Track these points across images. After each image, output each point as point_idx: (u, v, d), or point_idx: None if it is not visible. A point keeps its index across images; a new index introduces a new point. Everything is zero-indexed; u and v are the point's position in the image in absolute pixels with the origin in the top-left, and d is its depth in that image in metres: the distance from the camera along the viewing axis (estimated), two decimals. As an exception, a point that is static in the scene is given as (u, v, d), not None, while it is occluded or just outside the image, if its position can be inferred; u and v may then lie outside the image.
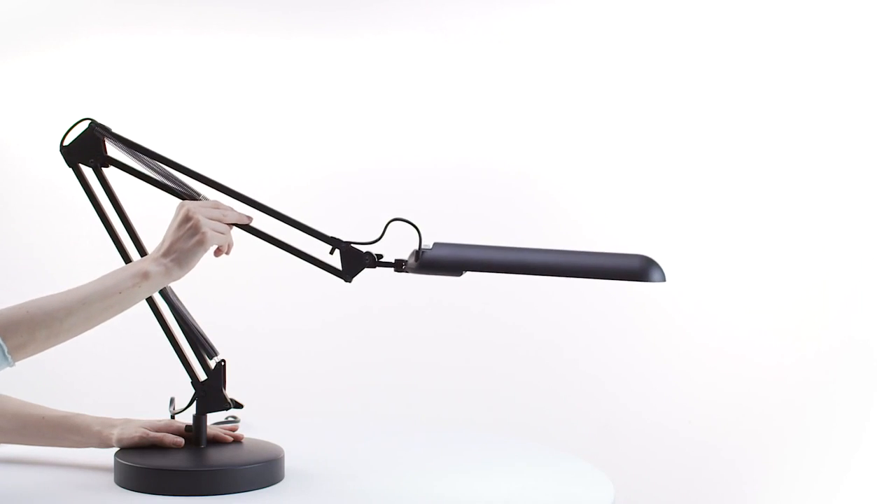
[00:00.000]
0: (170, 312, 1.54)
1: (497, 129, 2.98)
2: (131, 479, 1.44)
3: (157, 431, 1.53)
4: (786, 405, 2.83)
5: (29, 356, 1.34)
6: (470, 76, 2.99)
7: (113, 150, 1.50)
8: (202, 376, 1.53)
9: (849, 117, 2.82)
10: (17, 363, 1.32)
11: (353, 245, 1.49)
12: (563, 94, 2.96)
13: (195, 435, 1.53)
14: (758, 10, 2.86)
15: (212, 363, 1.53)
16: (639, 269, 1.41)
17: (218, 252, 1.49)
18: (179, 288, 1.55)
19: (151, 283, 1.40)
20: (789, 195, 2.85)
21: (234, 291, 2.94)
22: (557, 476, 1.61)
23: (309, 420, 2.04)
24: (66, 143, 1.49)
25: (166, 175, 1.53)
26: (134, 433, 1.52)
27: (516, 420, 2.85)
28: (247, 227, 1.49)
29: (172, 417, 1.57)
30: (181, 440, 1.52)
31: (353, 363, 2.98)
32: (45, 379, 2.73)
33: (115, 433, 1.53)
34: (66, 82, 3.02)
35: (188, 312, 1.55)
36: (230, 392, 1.54)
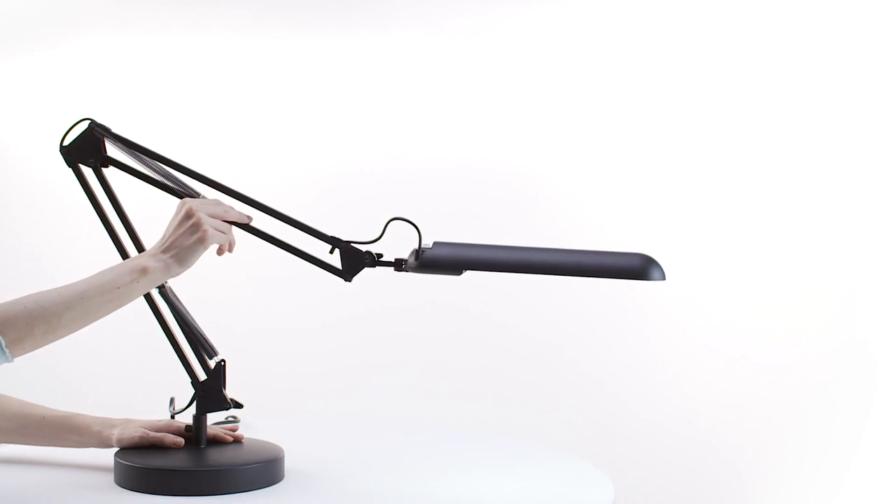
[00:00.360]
0: (170, 312, 1.54)
1: (497, 129, 2.98)
2: (131, 479, 1.44)
3: (157, 431, 1.53)
4: (786, 405, 2.83)
5: (27, 352, 1.34)
6: (470, 76, 2.99)
7: (113, 150, 1.50)
8: (202, 376, 1.53)
9: (849, 117, 2.82)
10: (15, 359, 1.32)
11: (353, 244, 1.49)
12: (562, 95, 2.96)
13: (195, 435, 1.53)
14: (758, 10, 2.86)
15: (212, 363, 1.53)
16: (639, 268, 1.41)
17: (220, 251, 1.48)
18: (179, 288, 1.55)
19: (150, 278, 1.40)
20: (789, 195, 2.85)
21: (234, 291, 2.94)
22: (557, 476, 1.61)
23: (309, 420, 2.04)
24: (66, 143, 1.49)
25: (166, 175, 1.53)
26: (134, 433, 1.52)
27: (516, 420, 2.85)
28: (247, 227, 1.49)
29: (172, 417, 1.57)
30: (181, 440, 1.52)
31: (353, 363, 2.98)
32: (45, 379, 2.73)
33: (116, 433, 1.53)
34: (66, 82, 3.02)
35: (188, 312, 1.55)
36: (230, 392, 1.54)
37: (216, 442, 1.55)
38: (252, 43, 3.04)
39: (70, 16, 3.03)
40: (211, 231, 1.41)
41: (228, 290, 2.93)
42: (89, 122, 1.49)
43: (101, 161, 1.49)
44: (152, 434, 1.52)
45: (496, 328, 2.97)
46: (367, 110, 3.01)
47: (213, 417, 1.61)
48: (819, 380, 2.82)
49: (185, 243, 1.41)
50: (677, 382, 2.89)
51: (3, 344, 1.31)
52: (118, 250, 1.51)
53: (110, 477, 1.48)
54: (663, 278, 1.41)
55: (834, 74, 2.82)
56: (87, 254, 2.89)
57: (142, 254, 1.43)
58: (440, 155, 2.98)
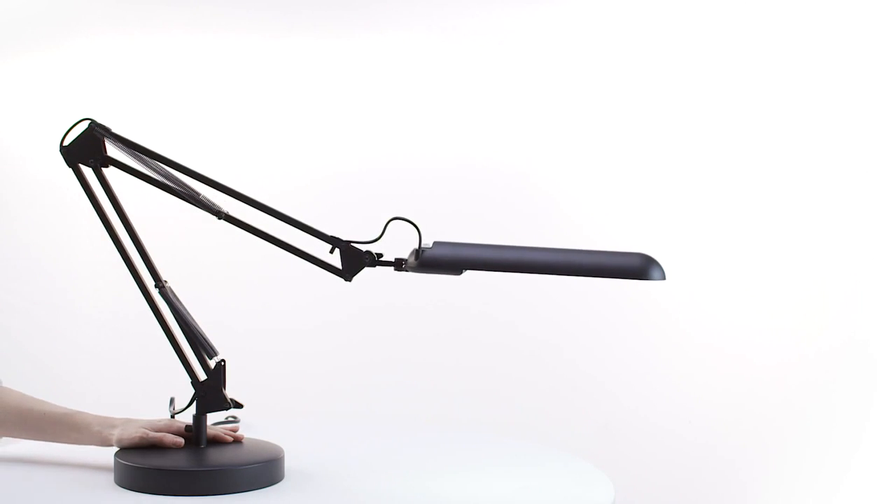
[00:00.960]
0: (170, 312, 1.54)
1: (497, 129, 2.98)
2: (131, 479, 1.44)
3: (157, 431, 1.53)
4: (786, 405, 2.83)
5: None
6: (470, 76, 2.99)
7: (113, 150, 1.50)
8: (202, 376, 1.53)
9: (849, 117, 2.82)
10: None
11: (353, 244, 1.49)
12: (562, 94, 2.96)
13: (195, 435, 1.53)
14: (758, 10, 2.86)
15: (212, 363, 1.53)
16: (639, 268, 1.41)
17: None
18: (179, 288, 1.55)
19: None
20: (789, 195, 2.85)
21: (234, 291, 2.94)
22: (557, 476, 1.61)
23: (309, 420, 2.04)
24: (66, 143, 1.49)
25: (166, 175, 1.53)
26: (134, 433, 1.52)
27: (516, 420, 2.85)
28: (248, 227, 1.49)
29: (172, 417, 1.57)
30: (181, 440, 1.52)
31: (353, 363, 2.98)
32: (45, 379, 2.73)
33: (116, 433, 1.53)
34: (66, 82, 3.02)
35: (188, 312, 1.55)
36: (230, 392, 1.54)
37: (216, 442, 1.55)
38: (252, 43, 3.04)
39: (70, 16, 3.03)
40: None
41: (228, 290, 2.94)
42: (89, 122, 1.49)
43: (101, 161, 1.49)
44: (152, 434, 1.52)
45: (496, 328, 2.97)
46: (367, 110, 3.01)
47: (213, 417, 1.61)
48: (819, 380, 2.81)
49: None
50: (677, 382, 2.89)
51: None
52: (118, 250, 1.51)
53: (110, 477, 1.48)
54: (663, 278, 1.41)
55: (834, 74, 2.82)
56: (87, 254, 2.91)
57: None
58: (440, 155, 2.98)
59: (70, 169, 1.50)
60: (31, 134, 3.00)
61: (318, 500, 1.44)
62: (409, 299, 2.86)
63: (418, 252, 1.46)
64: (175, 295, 1.55)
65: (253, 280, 2.95)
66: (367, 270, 1.50)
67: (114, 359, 2.95)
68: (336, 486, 1.50)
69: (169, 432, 1.53)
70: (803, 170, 2.84)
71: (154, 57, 3.03)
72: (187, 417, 1.55)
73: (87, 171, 1.50)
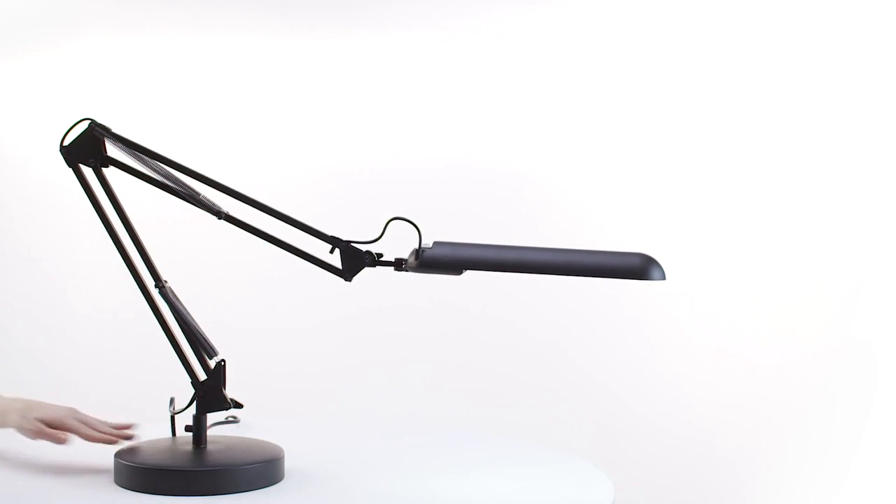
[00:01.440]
0: (170, 312, 1.54)
1: (497, 129, 2.98)
2: (131, 479, 1.44)
3: (53, 425, 1.54)
4: (786, 405, 2.83)
5: None
6: (470, 76, 2.99)
7: (113, 150, 1.50)
8: (202, 376, 1.53)
9: (849, 117, 2.82)
10: None
11: (353, 244, 1.49)
12: (562, 94, 2.96)
13: (195, 435, 1.53)
14: (758, 10, 2.86)
15: (212, 363, 1.53)
16: (639, 268, 1.41)
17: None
18: (179, 288, 1.55)
19: None
20: (789, 195, 2.85)
21: (234, 291, 2.94)
22: (557, 476, 1.61)
23: (309, 420, 2.04)
24: (66, 143, 1.49)
25: (166, 175, 1.53)
26: (30, 427, 1.53)
27: (516, 420, 2.85)
28: (248, 227, 1.49)
29: (172, 417, 1.57)
30: (65, 437, 1.52)
31: (353, 363, 2.98)
32: (45, 379, 2.73)
33: (13, 420, 1.55)
34: (66, 82, 3.02)
35: (188, 312, 1.55)
36: (230, 392, 1.54)
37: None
38: (252, 43, 3.04)
39: (70, 16, 3.02)
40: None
41: (228, 290, 2.93)
42: (89, 122, 1.49)
43: (101, 161, 1.49)
44: (48, 431, 1.53)
45: (496, 328, 2.97)
46: (366, 110, 3.01)
47: (213, 417, 1.61)
48: (819, 380, 2.81)
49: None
50: (677, 382, 2.89)
51: None
52: (118, 251, 1.51)
53: (110, 477, 1.48)
54: (663, 278, 1.41)
55: (834, 74, 2.82)
56: (87, 254, 2.91)
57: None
58: (440, 155, 2.98)
59: (70, 169, 1.50)
60: (31, 134, 3.00)
61: (318, 500, 1.44)
62: (409, 299, 2.86)
63: (418, 252, 1.46)
64: (175, 295, 1.55)
65: (253, 280, 2.95)
66: (367, 270, 1.50)
67: (114, 359, 2.95)
68: (336, 486, 1.50)
69: (69, 420, 1.54)
70: (803, 170, 2.85)
71: (154, 57, 3.03)
72: (187, 418, 1.55)
73: (87, 171, 1.50)
